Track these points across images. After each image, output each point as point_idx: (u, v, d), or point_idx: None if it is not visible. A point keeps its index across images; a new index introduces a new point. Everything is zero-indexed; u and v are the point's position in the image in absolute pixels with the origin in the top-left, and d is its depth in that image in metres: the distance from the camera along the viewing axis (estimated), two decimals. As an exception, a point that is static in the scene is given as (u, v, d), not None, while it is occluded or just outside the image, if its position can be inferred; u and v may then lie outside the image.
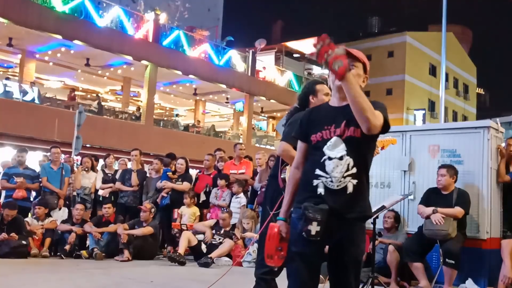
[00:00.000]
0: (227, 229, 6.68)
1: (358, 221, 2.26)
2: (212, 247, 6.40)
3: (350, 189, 2.18)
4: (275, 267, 2.44)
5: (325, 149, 2.22)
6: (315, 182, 2.21)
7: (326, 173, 2.19)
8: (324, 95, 3.39)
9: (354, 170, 2.19)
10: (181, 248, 6.32)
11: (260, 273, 3.67)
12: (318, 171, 2.21)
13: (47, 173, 7.57)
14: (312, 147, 2.29)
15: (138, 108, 20.08)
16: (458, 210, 4.77)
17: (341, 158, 2.19)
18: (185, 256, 6.37)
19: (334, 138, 2.22)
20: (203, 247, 6.49)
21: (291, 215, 2.34)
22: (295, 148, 3.05)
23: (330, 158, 2.20)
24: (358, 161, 2.20)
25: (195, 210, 7.19)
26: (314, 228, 2.12)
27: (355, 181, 2.19)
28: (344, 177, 2.18)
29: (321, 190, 2.19)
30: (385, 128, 2.21)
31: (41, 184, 7.53)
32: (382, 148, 4.15)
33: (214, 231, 6.70)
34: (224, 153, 8.06)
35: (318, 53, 2.02)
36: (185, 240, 6.37)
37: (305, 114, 2.46)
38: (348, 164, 2.18)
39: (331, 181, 2.18)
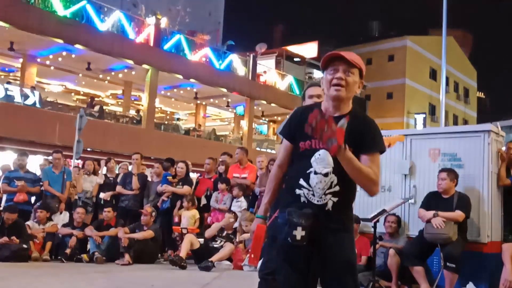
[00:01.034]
0: (229, 232, 6.68)
1: (342, 224, 2.19)
2: (213, 250, 6.40)
3: (329, 206, 2.13)
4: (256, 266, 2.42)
5: (312, 161, 2.15)
6: (298, 191, 2.17)
7: (310, 185, 2.14)
8: (308, 97, 3.30)
9: (337, 188, 2.13)
10: (183, 252, 6.32)
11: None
12: (302, 181, 2.16)
13: (49, 177, 7.58)
14: (299, 153, 2.21)
15: (138, 111, 20.10)
16: (458, 214, 4.76)
17: (326, 175, 2.13)
18: (186, 259, 6.37)
19: (323, 151, 2.12)
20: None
21: (271, 215, 2.33)
22: None
23: (315, 172, 2.14)
24: (343, 179, 2.12)
25: (195, 212, 7.20)
26: (299, 233, 2.07)
27: (335, 199, 2.13)
28: (326, 194, 2.13)
29: (303, 199, 2.16)
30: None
31: (42, 188, 7.54)
32: (389, 145, 4.09)
33: (216, 233, 6.71)
34: (230, 157, 8.04)
35: (315, 129, 1.94)
36: (187, 243, 6.38)
37: (296, 114, 2.35)
38: (332, 182, 2.13)
39: (313, 195, 2.14)
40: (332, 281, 2.16)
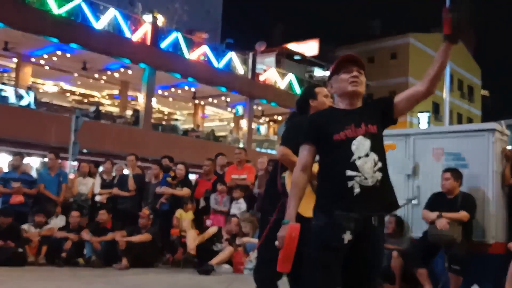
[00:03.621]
0: (229, 236, 6.60)
1: (382, 225, 2.34)
2: (212, 253, 6.33)
3: (379, 183, 2.25)
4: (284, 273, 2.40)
5: (353, 149, 2.27)
6: (350, 183, 2.22)
7: (359, 171, 2.23)
8: (324, 96, 3.34)
9: (380, 164, 2.28)
10: (191, 246, 6.36)
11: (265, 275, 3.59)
12: (350, 172, 2.23)
13: (44, 179, 7.48)
14: (333, 147, 2.30)
15: (136, 110, 20.00)
16: (463, 214, 4.69)
17: (367, 155, 2.26)
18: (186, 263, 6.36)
19: (359, 137, 2.29)
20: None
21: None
22: (294, 153, 2.98)
23: (359, 158, 2.26)
24: (381, 155, 2.31)
25: (191, 214, 7.14)
26: (347, 236, 2.18)
27: (381, 175, 2.27)
28: (374, 172, 2.25)
29: (357, 190, 2.21)
30: None
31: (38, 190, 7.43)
32: None
33: (215, 238, 6.64)
34: (225, 157, 7.98)
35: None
36: (192, 239, 6.44)
37: (314, 118, 2.49)
38: (374, 159, 2.27)
39: (365, 179, 2.23)
40: (358, 280, 2.30)
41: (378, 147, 2.31)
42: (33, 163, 10.82)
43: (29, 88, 16.06)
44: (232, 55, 21.51)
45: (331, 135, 2.30)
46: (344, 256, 2.24)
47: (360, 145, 2.27)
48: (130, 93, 20.86)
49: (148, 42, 18.28)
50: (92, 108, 17.92)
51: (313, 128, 2.40)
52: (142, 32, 18.21)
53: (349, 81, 2.36)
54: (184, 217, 7.04)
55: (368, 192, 2.22)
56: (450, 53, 2.24)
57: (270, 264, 2.98)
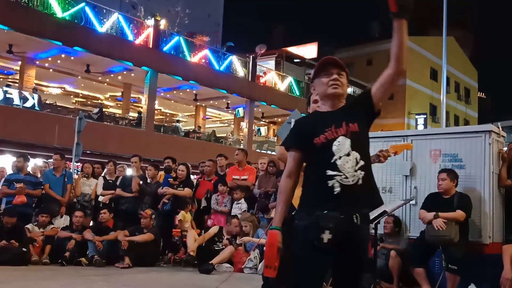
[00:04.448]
0: (229, 236, 6.66)
1: (366, 224, 2.32)
2: (213, 253, 6.38)
3: (361, 181, 2.24)
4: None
5: (334, 149, 2.26)
6: (330, 182, 2.21)
7: (339, 171, 2.23)
8: (313, 102, 3.39)
9: (362, 162, 2.26)
10: (191, 247, 6.40)
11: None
12: (330, 172, 2.23)
13: (49, 180, 7.55)
14: (316, 150, 2.30)
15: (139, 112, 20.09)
16: (459, 213, 4.73)
17: (348, 154, 2.25)
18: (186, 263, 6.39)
19: (340, 138, 2.28)
20: None
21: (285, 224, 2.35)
22: None
23: (340, 157, 2.25)
24: (363, 154, 2.28)
25: (190, 215, 7.22)
26: (326, 236, 2.16)
27: (363, 173, 2.25)
28: (356, 171, 2.24)
29: (337, 189, 2.20)
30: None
31: (43, 191, 7.51)
32: (395, 153, 4.06)
33: (216, 238, 6.69)
34: (226, 159, 8.03)
35: None
36: (192, 239, 6.47)
37: (297, 123, 2.52)
38: (356, 158, 2.26)
39: (346, 177, 2.22)
40: (347, 281, 2.30)
41: (360, 145, 2.29)
42: (38, 164, 10.84)
43: (33, 90, 16.15)
44: (232, 58, 21.61)
45: (311, 140, 2.30)
46: (332, 256, 2.24)
47: (341, 145, 2.26)
48: (132, 95, 20.98)
49: (151, 45, 18.40)
50: (95, 110, 18.01)
51: (296, 134, 2.43)
52: (145, 36, 18.34)
53: (329, 84, 2.38)
54: (186, 218, 7.12)
55: (349, 190, 2.20)
56: (406, 28, 2.20)
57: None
